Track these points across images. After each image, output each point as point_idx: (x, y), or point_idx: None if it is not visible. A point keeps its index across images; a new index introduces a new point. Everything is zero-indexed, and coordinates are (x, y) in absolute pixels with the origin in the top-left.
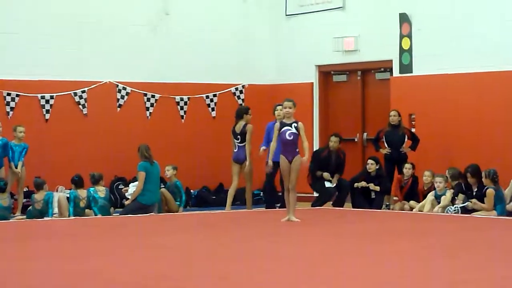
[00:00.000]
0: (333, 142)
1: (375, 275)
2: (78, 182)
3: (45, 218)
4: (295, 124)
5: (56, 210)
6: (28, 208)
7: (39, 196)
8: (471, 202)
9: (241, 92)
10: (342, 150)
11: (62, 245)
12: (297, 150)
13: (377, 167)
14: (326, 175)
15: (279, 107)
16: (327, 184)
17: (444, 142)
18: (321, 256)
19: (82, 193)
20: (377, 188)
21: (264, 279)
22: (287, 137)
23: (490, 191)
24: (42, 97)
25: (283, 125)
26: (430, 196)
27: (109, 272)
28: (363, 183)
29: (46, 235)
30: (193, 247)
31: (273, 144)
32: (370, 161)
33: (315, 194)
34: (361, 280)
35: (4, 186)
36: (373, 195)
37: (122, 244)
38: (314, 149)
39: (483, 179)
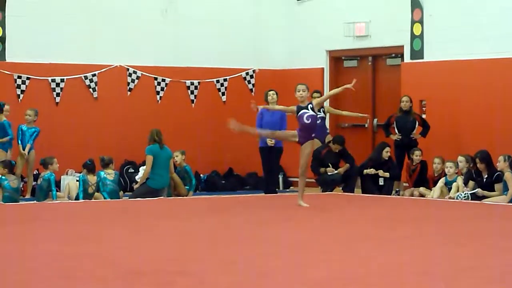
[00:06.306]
0: (333, 148)
1: (380, 260)
2: (90, 167)
3: (51, 201)
4: (310, 105)
5: (65, 193)
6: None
7: (43, 173)
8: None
9: (251, 77)
10: (342, 149)
11: (69, 228)
12: (313, 135)
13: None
14: (330, 169)
15: (270, 92)
16: (330, 172)
17: (455, 129)
18: (327, 240)
19: (92, 179)
20: (387, 175)
21: (274, 265)
22: (305, 121)
23: (509, 175)
24: (53, 80)
25: (300, 108)
26: (440, 182)
27: (116, 256)
28: (372, 170)
29: (53, 217)
30: (202, 231)
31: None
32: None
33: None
34: (366, 265)
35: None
36: (381, 182)
37: (130, 227)
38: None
39: (500, 163)
